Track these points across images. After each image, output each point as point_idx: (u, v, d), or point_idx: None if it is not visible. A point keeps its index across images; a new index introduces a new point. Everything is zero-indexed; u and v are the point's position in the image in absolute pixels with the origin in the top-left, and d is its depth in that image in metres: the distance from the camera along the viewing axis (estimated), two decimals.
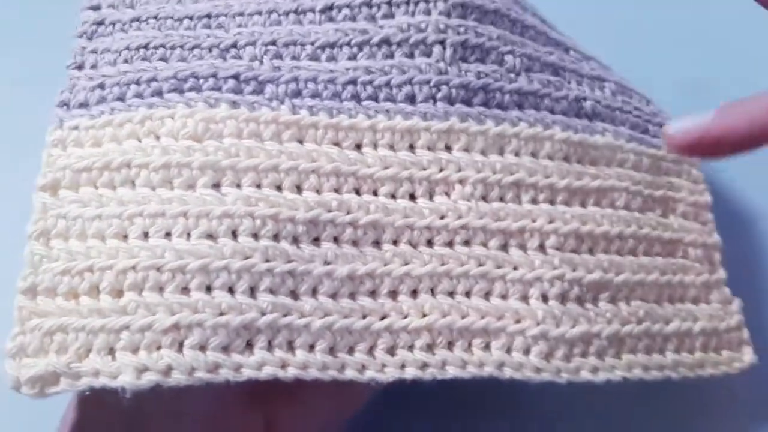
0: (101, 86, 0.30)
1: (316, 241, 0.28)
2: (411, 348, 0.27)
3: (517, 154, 0.31)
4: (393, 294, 0.28)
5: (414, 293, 0.28)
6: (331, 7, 0.31)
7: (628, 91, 0.36)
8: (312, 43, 0.30)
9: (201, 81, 0.29)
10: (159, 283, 0.26)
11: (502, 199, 0.30)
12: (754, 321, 0.34)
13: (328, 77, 0.30)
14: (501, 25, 0.33)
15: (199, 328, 0.25)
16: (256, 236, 0.27)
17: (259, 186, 0.28)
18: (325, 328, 0.26)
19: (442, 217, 0.29)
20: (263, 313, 0.26)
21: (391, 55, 0.31)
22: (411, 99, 0.30)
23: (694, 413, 0.36)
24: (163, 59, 0.30)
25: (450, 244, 0.29)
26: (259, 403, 0.28)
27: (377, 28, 0.31)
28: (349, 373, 0.27)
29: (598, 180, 0.32)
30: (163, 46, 0.30)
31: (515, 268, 0.29)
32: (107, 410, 0.26)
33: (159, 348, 0.25)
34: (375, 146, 0.29)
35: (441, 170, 0.30)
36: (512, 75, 0.32)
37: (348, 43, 0.30)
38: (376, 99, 0.30)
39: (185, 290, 0.26)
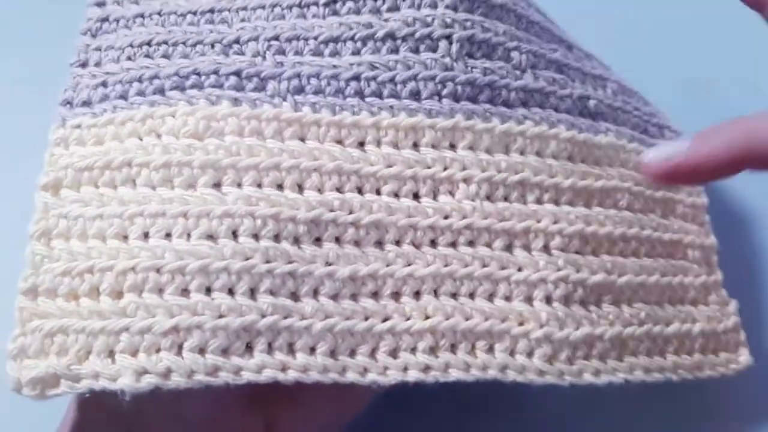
0: (104, 84, 0.30)
1: (317, 241, 0.27)
2: (414, 350, 0.27)
3: (522, 153, 0.30)
4: (396, 295, 0.28)
5: (417, 294, 0.28)
6: (335, 0, 0.31)
7: (628, 90, 0.36)
8: (315, 38, 0.30)
9: (203, 78, 0.29)
10: (159, 285, 0.26)
11: (506, 199, 0.30)
12: (753, 321, 0.34)
13: (332, 73, 0.29)
14: (507, 21, 0.32)
15: (199, 330, 0.25)
16: (256, 237, 0.27)
17: (260, 185, 0.27)
18: (326, 330, 0.26)
19: (446, 217, 0.28)
20: (263, 315, 0.26)
21: (395, 50, 0.30)
22: (416, 95, 0.30)
23: (695, 413, 0.36)
24: (166, 56, 0.30)
25: (454, 244, 0.29)
26: (259, 406, 0.28)
27: (382, 22, 0.30)
28: (351, 376, 0.26)
29: (602, 180, 0.31)
30: (165, 42, 0.30)
31: (519, 269, 0.29)
32: (107, 412, 0.26)
33: (158, 350, 0.25)
34: (378, 144, 0.29)
35: (445, 169, 0.29)
36: (518, 72, 0.31)
37: (352, 38, 0.30)
38: (380, 95, 0.29)
39: (185, 292, 0.26)
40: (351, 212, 0.28)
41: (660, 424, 0.35)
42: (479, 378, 0.27)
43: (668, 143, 0.27)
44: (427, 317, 0.27)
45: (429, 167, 0.29)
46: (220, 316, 0.25)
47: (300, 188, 0.28)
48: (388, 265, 0.28)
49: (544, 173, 0.30)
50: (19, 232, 0.27)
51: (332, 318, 0.26)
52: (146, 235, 0.27)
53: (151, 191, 0.27)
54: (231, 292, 0.26)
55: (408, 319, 0.27)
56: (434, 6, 0.31)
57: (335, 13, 0.31)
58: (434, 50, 0.30)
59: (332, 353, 0.26)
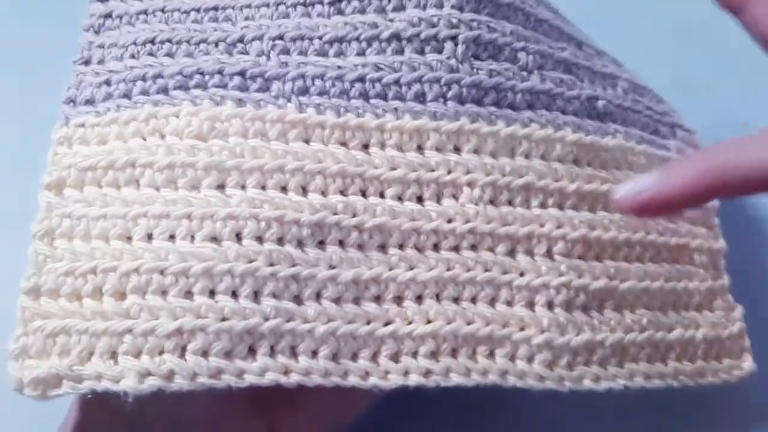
0: (107, 83, 0.29)
1: (321, 244, 0.27)
2: (415, 355, 0.27)
3: (527, 157, 0.30)
4: (398, 299, 0.28)
5: (419, 298, 0.28)
6: None
7: (640, 89, 0.35)
8: (320, 38, 0.30)
9: (206, 78, 0.29)
10: (162, 287, 0.26)
11: (510, 203, 0.29)
12: (756, 324, 0.34)
13: (336, 74, 0.29)
14: (515, 20, 0.32)
15: (202, 333, 0.25)
16: (260, 239, 0.27)
17: (264, 187, 0.27)
18: (329, 334, 0.26)
19: (449, 221, 0.28)
20: (266, 318, 0.26)
21: (401, 51, 0.30)
22: (420, 97, 0.29)
23: (696, 413, 0.36)
24: (169, 54, 0.30)
25: (457, 248, 0.28)
26: (261, 408, 0.29)
27: (387, 22, 0.30)
28: (352, 380, 0.26)
29: (608, 184, 0.31)
30: (169, 40, 0.30)
31: (522, 274, 0.29)
32: (109, 413, 0.26)
33: (161, 353, 0.25)
34: (383, 146, 0.29)
35: (449, 172, 0.29)
36: (525, 73, 0.31)
37: (357, 38, 0.30)
38: (384, 97, 0.29)
39: (188, 294, 0.26)
40: (354, 215, 0.28)
41: (659, 423, 0.35)
42: (479, 383, 0.27)
43: (638, 177, 0.28)
44: (429, 321, 0.28)
45: (433, 170, 0.29)
46: (224, 319, 0.26)
47: (304, 191, 0.28)
48: (390, 269, 0.28)
49: (549, 177, 0.30)
50: (21, 232, 0.27)
51: (335, 321, 0.27)
52: (150, 237, 0.27)
53: (155, 192, 0.27)
54: (234, 294, 0.26)
55: (410, 323, 0.27)
56: (440, 6, 0.30)
57: (340, 12, 0.30)
58: (440, 51, 0.30)
59: (334, 357, 0.26)
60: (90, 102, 0.29)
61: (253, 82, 0.29)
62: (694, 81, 0.39)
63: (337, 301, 0.27)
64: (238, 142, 0.28)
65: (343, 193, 0.28)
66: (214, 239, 0.26)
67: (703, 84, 0.38)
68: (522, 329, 0.28)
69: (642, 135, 0.34)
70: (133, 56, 0.30)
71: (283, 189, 0.28)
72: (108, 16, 0.31)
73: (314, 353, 0.26)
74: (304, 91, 0.29)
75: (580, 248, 0.30)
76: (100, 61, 0.30)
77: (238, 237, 0.26)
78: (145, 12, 0.31)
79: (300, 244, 0.27)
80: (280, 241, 0.27)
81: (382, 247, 0.28)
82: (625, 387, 0.29)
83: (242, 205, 0.27)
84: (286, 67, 0.29)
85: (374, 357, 0.27)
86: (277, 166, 0.27)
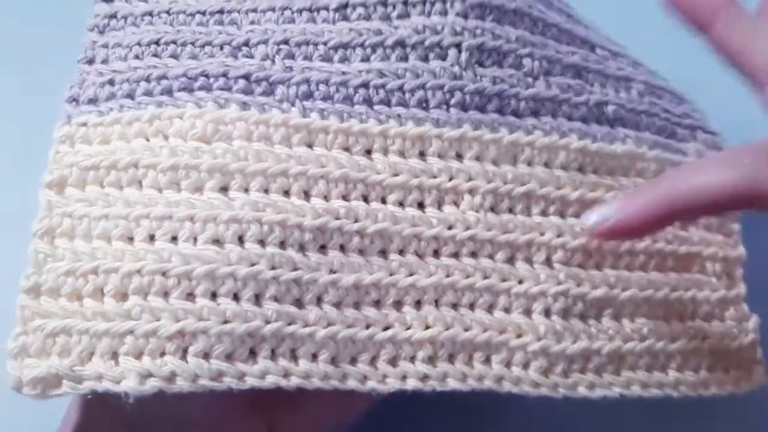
0: (111, 82, 0.29)
1: (322, 248, 0.27)
2: (413, 359, 0.28)
3: (530, 164, 0.30)
4: (398, 304, 0.28)
5: (418, 304, 0.28)
6: (345, 6, 0.30)
7: (658, 90, 0.34)
8: (325, 43, 0.30)
9: (211, 80, 0.29)
10: (164, 288, 0.26)
11: (511, 211, 0.30)
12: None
13: (340, 80, 0.29)
14: (521, 25, 0.32)
15: (204, 335, 0.25)
16: (262, 243, 0.27)
17: (267, 191, 0.27)
18: (329, 338, 0.27)
19: (450, 228, 0.29)
20: (268, 322, 0.26)
21: (405, 58, 0.30)
22: (424, 104, 0.30)
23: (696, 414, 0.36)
24: (174, 56, 0.30)
25: (456, 255, 0.29)
26: (262, 410, 0.29)
27: (392, 29, 0.30)
28: (351, 384, 0.27)
29: (613, 192, 0.31)
30: (174, 42, 0.30)
31: (520, 282, 0.29)
32: (109, 413, 0.26)
33: (163, 354, 0.25)
34: (385, 152, 0.29)
35: (451, 179, 0.29)
36: (530, 79, 0.31)
37: (361, 44, 0.30)
38: (388, 103, 0.29)
39: (190, 296, 0.26)
40: (356, 221, 0.28)
41: (659, 423, 0.35)
42: (475, 388, 0.28)
43: (605, 204, 0.29)
44: (428, 327, 0.28)
45: (435, 177, 0.29)
46: (225, 322, 0.26)
47: (306, 195, 0.28)
48: (391, 275, 0.28)
49: (551, 185, 0.30)
50: (21, 231, 0.27)
51: (335, 326, 0.27)
52: (152, 238, 0.27)
53: (158, 193, 0.27)
54: (236, 297, 0.26)
55: (409, 328, 0.28)
56: (444, 14, 0.30)
57: (345, 18, 0.30)
58: (443, 59, 0.30)
59: (334, 360, 0.27)
60: (93, 101, 0.29)
61: (257, 86, 0.29)
62: (694, 81, 0.39)
63: (337, 305, 0.27)
64: (242, 146, 0.28)
65: (345, 198, 0.28)
66: (217, 242, 0.26)
67: (703, 84, 0.38)
68: (519, 336, 0.28)
69: (656, 139, 0.33)
70: (137, 57, 0.30)
71: (286, 193, 0.28)
72: (113, 16, 0.31)
73: (314, 356, 0.27)
74: (308, 95, 0.29)
75: (580, 256, 0.30)
76: (104, 61, 0.30)
77: (241, 240, 0.27)
78: (150, 13, 0.31)
79: (302, 248, 0.27)
80: (283, 244, 0.27)
81: (383, 253, 0.28)
82: (622, 395, 0.29)
83: (245, 209, 0.27)
84: (291, 72, 0.29)
85: (373, 361, 0.27)
86: (280, 170, 0.28)
